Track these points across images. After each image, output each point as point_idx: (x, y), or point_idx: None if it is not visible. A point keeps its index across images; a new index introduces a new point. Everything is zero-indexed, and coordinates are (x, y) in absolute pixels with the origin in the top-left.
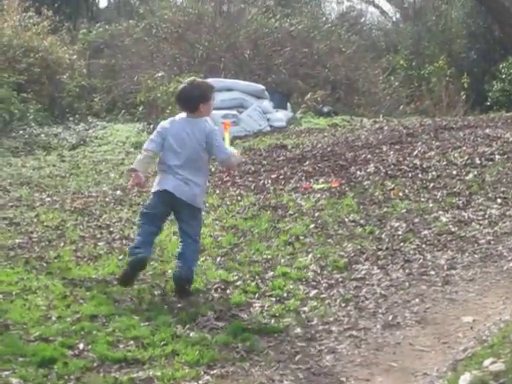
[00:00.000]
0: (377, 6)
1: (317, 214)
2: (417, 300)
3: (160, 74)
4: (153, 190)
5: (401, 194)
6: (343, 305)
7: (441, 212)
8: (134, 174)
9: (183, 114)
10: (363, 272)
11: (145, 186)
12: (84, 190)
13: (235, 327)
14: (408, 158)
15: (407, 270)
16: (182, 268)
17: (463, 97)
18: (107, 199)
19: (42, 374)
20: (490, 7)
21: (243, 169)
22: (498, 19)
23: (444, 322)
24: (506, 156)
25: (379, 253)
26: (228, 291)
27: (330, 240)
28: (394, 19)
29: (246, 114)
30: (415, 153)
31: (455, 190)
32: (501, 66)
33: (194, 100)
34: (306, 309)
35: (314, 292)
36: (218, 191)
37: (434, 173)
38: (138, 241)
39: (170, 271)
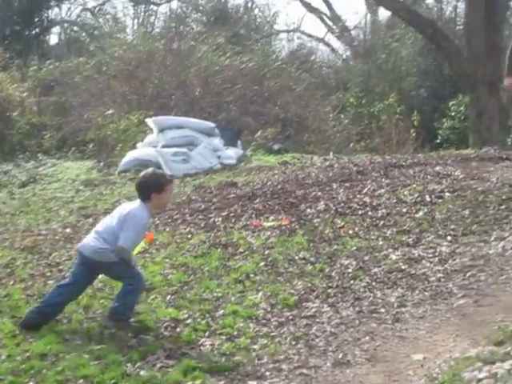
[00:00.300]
0: (327, 44)
1: (267, 252)
2: (367, 338)
3: (110, 112)
4: None
5: (351, 231)
6: (293, 343)
7: (391, 250)
8: None
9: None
10: (313, 310)
11: None
12: (34, 228)
13: (185, 366)
14: (358, 196)
15: (357, 308)
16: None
17: (413, 134)
18: (57, 237)
19: None
20: (440, 45)
21: (193, 206)
22: (447, 57)
23: (394, 360)
24: (455, 193)
25: (329, 290)
26: (178, 329)
27: (280, 278)
28: (345, 57)
29: (197, 151)
30: (365, 190)
31: (405, 227)
32: (450, 103)
33: (146, 189)
34: (256, 347)
35: (264, 330)
36: (167, 229)
37: (383, 210)
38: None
39: None
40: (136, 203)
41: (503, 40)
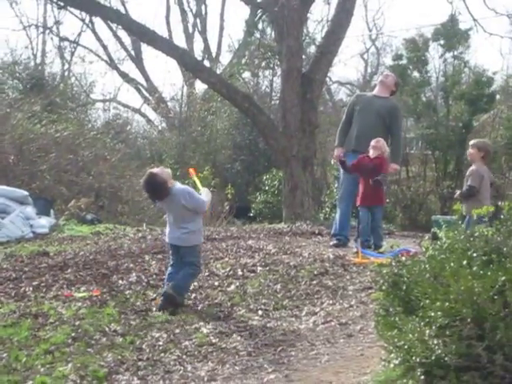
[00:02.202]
0: (143, 115)
1: (77, 323)
2: None
3: None
4: None
5: None
6: None
7: (202, 323)
8: None
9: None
10: (123, 383)
11: None
12: None
13: None
14: None
15: (167, 381)
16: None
17: (227, 207)
18: None
19: None
20: (255, 119)
21: (4, 275)
22: (262, 132)
23: None
24: (267, 268)
25: (139, 363)
26: None
27: (90, 349)
28: (160, 128)
29: (9, 219)
30: None
31: (217, 301)
32: (264, 177)
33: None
34: None
35: None
36: None
37: (195, 283)
38: None
39: None
40: None
41: (317, 116)
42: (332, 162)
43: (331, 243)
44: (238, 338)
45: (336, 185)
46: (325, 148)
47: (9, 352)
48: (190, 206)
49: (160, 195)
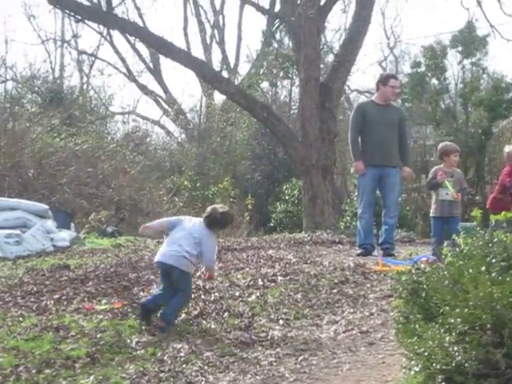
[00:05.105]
0: (162, 127)
1: (99, 335)
2: None
3: None
4: None
5: (183, 315)
6: None
7: (223, 333)
8: None
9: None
10: None
11: None
12: None
13: None
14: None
15: None
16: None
17: (247, 218)
18: None
19: None
20: (274, 129)
21: (25, 289)
22: (282, 141)
23: None
24: (288, 277)
25: (161, 375)
26: None
27: (112, 362)
28: (180, 139)
29: (30, 233)
30: (198, 273)
31: (238, 311)
32: (284, 187)
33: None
34: None
35: None
36: None
37: (216, 294)
38: None
39: None
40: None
41: (336, 125)
42: (352, 171)
43: (358, 252)
44: (259, 348)
45: (356, 193)
46: (344, 157)
47: (31, 365)
48: (204, 248)
49: (221, 229)
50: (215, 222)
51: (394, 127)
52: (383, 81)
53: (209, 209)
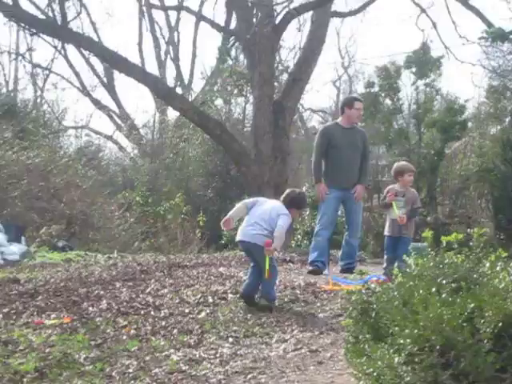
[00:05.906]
0: (115, 142)
1: (47, 350)
2: None
3: None
4: None
5: (133, 331)
6: None
7: (172, 350)
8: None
9: None
10: None
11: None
12: None
13: None
14: (141, 295)
15: None
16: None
17: (199, 234)
18: None
19: None
20: (227, 147)
21: None
22: (234, 159)
23: None
24: (238, 295)
25: None
26: None
27: (60, 377)
28: (132, 155)
29: None
30: (148, 290)
31: (187, 328)
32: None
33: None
34: None
35: None
36: None
37: (166, 310)
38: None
39: None
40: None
41: (289, 143)
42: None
43: (309, 269)
44: (208, 365)
45: (307, 212)
46: (297, 175)
47: None
48: (280, 221)
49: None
50: (293, 201)
51: (358, 150)
52: (349, 104)
53: (287, 191)
